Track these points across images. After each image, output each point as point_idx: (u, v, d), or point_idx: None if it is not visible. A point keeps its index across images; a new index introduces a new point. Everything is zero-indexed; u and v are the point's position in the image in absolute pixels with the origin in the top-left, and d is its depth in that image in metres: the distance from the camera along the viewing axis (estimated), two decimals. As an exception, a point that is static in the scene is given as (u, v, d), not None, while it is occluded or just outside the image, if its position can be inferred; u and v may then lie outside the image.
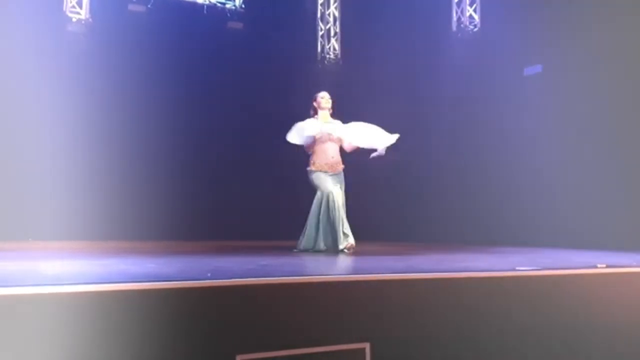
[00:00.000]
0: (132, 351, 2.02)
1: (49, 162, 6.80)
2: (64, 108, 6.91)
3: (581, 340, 2.85)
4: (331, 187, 5.25)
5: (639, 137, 5.98)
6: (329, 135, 5.37)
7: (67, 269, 3.20)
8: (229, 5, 8.91)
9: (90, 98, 7.22)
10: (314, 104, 5.51)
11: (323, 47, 9.88)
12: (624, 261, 3.67)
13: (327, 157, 5.37)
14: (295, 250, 5.31)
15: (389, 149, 5.36)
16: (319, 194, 5.30)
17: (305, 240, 5.30)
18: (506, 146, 7.35)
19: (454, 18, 8.68)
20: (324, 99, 5.50)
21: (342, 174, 5.44)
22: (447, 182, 8.06)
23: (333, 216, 5.15)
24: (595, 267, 3.17)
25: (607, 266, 3.18)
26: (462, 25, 8.53)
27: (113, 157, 7.27)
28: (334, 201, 5.18)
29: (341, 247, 5.05)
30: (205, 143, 8.15)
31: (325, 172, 5.34)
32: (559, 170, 6.64)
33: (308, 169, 5.41)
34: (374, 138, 5.39)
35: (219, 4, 8.83)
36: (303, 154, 5.45)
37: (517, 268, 3.05)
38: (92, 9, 7.95)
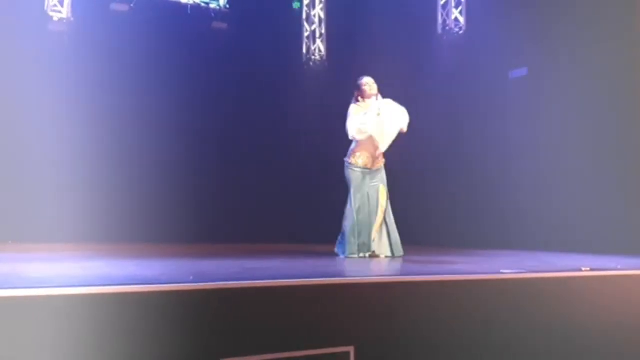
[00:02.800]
0: (111, 356, 1.98)
1: (33, 163, 6.70)
2: (45, 108, 6.81)
3: (565, 343, 2.86)
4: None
5: (627, 140, 6.00)
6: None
7: (49, 272, 3.14)
8: (213, 5, 8.86)
9: (72, 98, 7.12)
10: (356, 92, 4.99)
11: (309, 48, 9.86)
12: (608, 264, 3.69)
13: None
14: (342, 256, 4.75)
15: None
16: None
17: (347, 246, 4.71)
18: (491, 149, 7.37)
19: (440, 21, 8.69)
20: (367, 85, 4.94)
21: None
22: (430, 184, 8.06)
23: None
24: (580, 270, 3.18)
25: (591, 269, 3.20)
26: (447, 28, 8.55)
27: (97, 158, 7.17)
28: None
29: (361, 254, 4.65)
30: (190, 143, 8.06)
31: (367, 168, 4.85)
32: (545, 174, 6.67)
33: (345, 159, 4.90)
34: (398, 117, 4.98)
35: (203, 4, 8.77)
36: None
37: (502, 271, 3.04)
38: (74, 8, 7.83)
